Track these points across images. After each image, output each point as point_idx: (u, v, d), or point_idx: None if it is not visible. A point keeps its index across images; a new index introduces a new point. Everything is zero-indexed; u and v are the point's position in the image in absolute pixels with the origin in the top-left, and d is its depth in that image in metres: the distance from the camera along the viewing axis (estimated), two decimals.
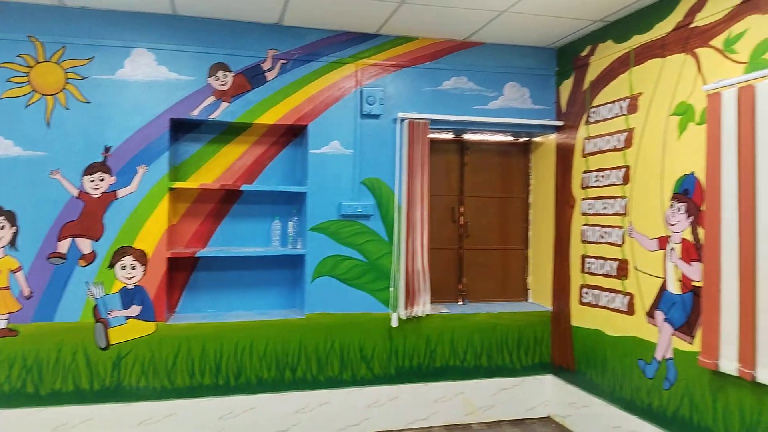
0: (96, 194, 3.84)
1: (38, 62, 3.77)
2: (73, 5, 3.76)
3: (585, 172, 4.24)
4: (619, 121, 3.89)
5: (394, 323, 4.25)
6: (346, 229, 4.22)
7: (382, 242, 4.29)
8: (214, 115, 4.03)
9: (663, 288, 3.47)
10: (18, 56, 3.73)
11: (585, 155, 4.25)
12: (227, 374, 4.01)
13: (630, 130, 3.78)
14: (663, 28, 3.51)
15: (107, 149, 3.85)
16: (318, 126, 4.18)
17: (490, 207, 4.91)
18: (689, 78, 3.31)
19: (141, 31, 3.91)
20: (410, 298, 4.24)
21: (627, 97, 3.82)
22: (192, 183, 4.14)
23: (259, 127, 4.27)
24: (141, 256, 3.88)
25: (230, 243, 4.29)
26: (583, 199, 4.25)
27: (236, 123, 4.13)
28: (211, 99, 4.02)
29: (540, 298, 4.79)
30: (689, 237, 3.28)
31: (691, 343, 3.26)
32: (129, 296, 3.87)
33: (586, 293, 4.20)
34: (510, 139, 4.89)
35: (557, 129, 4.59)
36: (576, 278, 4.32)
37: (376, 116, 4.27)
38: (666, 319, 3.44)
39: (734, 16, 3.02)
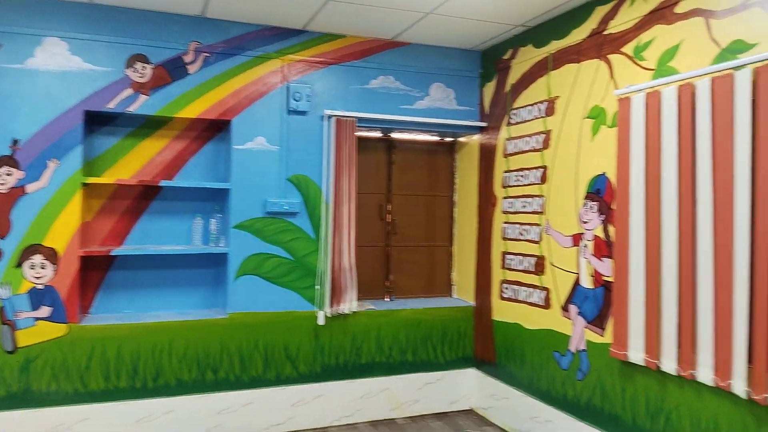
0: (2, 189, 3.60)
1: None
2: None
3: (506, 171, 4.38)
4: (538, 123, 4.04)
5: (321, 321, 4.24)
6: (272, 226, 4.17)
7: (309, 240, 4.26)
8: (132, 108, 3.87)
9: (577, 283, 3.64)
10: None
11: (506, 155, 4.39)
12: (145, 376, 3.87)
13: (548, 132, 3.94)
14: (579, 34, 3.67)
15: (15, 142, 3.62)
16: (242, 121, 4.10)
17: (417, 205, 4.99)
18: (602, 83, 3.48)
19: (53, 18, 3.70)
20: (337, 296, 4.24)
21: (545, 100, 3.97)
22: (107, 178, 3.96)
23: (180, 121, 4.14)
24: (51, 255, 3.67)
25: (149, 241, 4.14)
26: (504, 197, 4.39)
27: (156, 116, 3.98)
28: (129, 91, 3.86)
29: (464, 294, 4.91)
30: (601, 234, 3.45)
31: (602, 335, 3.44)
32: (38, 297, 3.66)
33: (506, 288, 4.34)
34: (436, 138, 4.97)
35: (481, 130, 4.71)
36: (497, 274, 4.46)
37: (303, 113, 4.23)
38: (579, 313, 3.61)
39: (643, 25, 3.20)
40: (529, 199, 4.10)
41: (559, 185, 3.82)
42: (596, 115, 3.52)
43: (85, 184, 3.82)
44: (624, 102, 3.21)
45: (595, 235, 3.49)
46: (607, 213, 3.41)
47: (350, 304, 4.30)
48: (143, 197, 4.14)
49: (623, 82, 3.31)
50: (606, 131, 3.44)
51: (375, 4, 3.70)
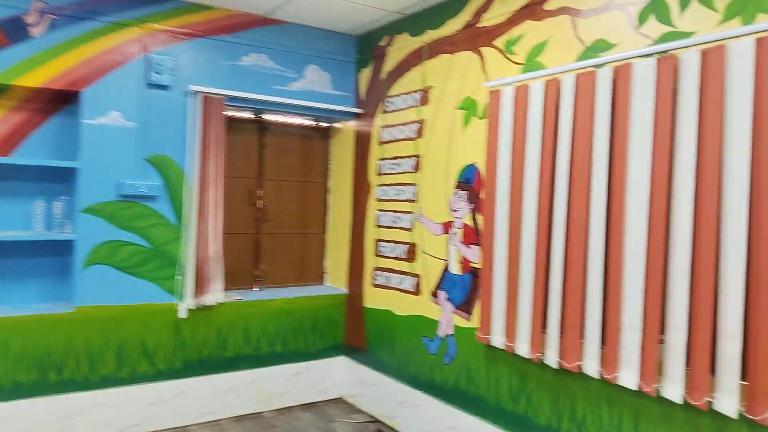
0: None
1: None
2: None
3: (380, 159, 4.36)
4: (412, 112, 4.05)
5: (182, 314, 3.95)
6: (127, 211, 3.80)
7: (170, 226, 3.95)
8: None
9: (446, 269, 3.71)
10: None
11: (381, 143, 4.37)
12: None
13: (421, 122, 3.96)
14: (453, 25, 3.72)
15: None
16: (94, 93, 3.68)
17: (290, 191, 4.83)
18: (474, 75, 3.55)
19: None
20: (201, 287, 3.98)
21: (420, 90, 3.99)
22: None
23: (19, 90, 3.62)
24: None
25: None
26: (378, 185, 4.37)
27: None
28: None
29: (336, 282, 4.85)
30: (470, 222, 3.54)
31: (469, 320, 3.53)
32: None
33: (379, 275, 4.34)
34: (311, 123, 4.84)
35: (356, 116, 4.65)
36: (370, 261, 4.44)
37: (166, 87, 3.89)
38: (448, 299, 3.69)
39: (514, 20, 3.30)
40: (403, 187, 4.11)
41: (431, 174, 3.86)
42: (468, 107, 3.59)
43: None
44: (494, 94, 3.29)
45: (464, 223, 3.57)
46: (476, 202, 3.50)
47: (216, 294, 4.06)
48: None
49: (494, 75, 3.40)
50: (477, 122, 3.52)
51: None
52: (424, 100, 3.95)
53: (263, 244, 4.69)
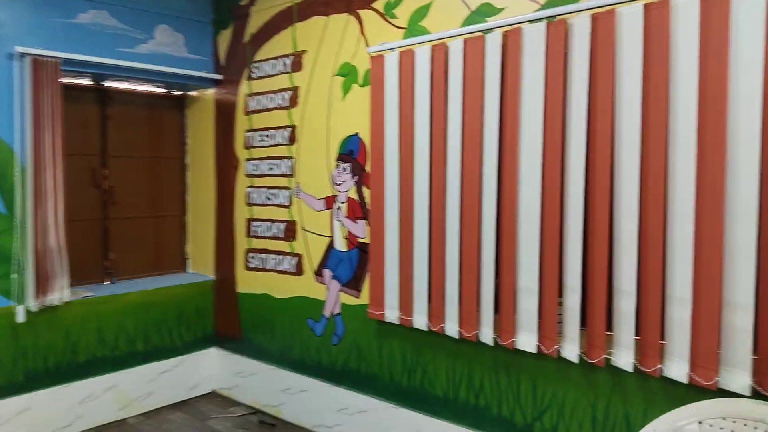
0: None
1: None
2: None
3: (248, 131, 4.01)
4: (284, 79, 3.75)
5: (20, 318, 3.33)
6: None
7: None
8: None
9: (330, 246, 3.53)
10: None
11: (248, 113, 4.01)
12: None
13: (295, 89, 3.69)
14: None
15: None
16: None
17: (140, 169, 4.28)
18: (353, 39, 3.35)
19: None
20: (42, 285, 3.37)
21: (291, 54, 3.70)
22: None
23: None
24: None
25: None
26: (248, 159, 4.02)
27: None
28: None
29: (201, 267, 4.43)
30: (354, 196, 3.37)
31: (358, 297, 3.39)
32: None
33: (252, 257, 4.02)
34: (162, 91, 4.31)
35: (216, 83, 4.22)
36: (241, 243, 4.10)
37: None
38: (334, 277, 3.51)
39: None
40: (277, 161, 3.82)
41: (309, 146, 3.62)
42: (347, 73, 3.39)
43: None
44: (377, 60, 3.13)
45: (349, 197, 3.40)
46: (360, 174, 3.34)
47: (61, 292, 3.47)
48: None
49: (375, 40, 3.23)
50: (357, 90, 3.34)
51: None
52: (296, 66, 3.67)
53: (112, 230, 4.11)
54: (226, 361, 4.23)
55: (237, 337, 4.17)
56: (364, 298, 3.34)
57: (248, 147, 4.02)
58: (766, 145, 2.03)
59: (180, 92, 4.40)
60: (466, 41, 2.76)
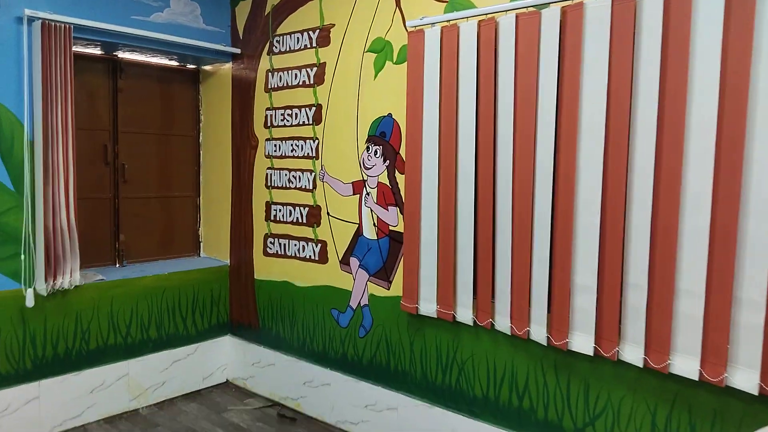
0: None
1: None
2: None
3: (269, 109, 3.78)
4: (309, 54, 3.52)
5: (30, 302, 3.13)
6: None
7: (6, 192, 3.07)
8: None
9: (358, 234, 3.33)
10: None
11: (268, 90, 3.78)
12: None
13: (321, 65, 3.46)
14: None
15: None
16: None
17: (152, 146, 4.05)
18: (387, 13, 3.12)
19: None
20: (53, 267, 3.16)
21: (317, 28, 3.46)
22: None
23: None
24: None
25: None
26: (268, 139, 3.80)
27: None
28: None
29: (216, 252, 4.23)
30: (386, 181, 3.17)
31: (388, 289, 3.20)
32: None
33: (272, 243, 3.82)
34: (175, 64, 4.06)
35: (233, 57, 3.98)
36: (260, 227, 3.89)
37: None
38: (361, 266, 3.32)
39: None
40: (300, 142, 3.60)
41: (336, 127, 3.40)
42: (380, 49, 3.16)
43: None
44: (416, 36, 2.91)
45: (380, 182, 3.20)
46: (393, 158, 3.13)
47: (72, 276, 3.26)
48: None
49: (412, 14, 3.00)
50: (391, 68, 3.12)
51: None
52: (323, 41, 3.44)
53: (123, 210, 3.90)
54: (242, 350, 4.05)
55: (254, 326, 3.98)
56: (396, 289, 3.16)
57: (268, 126, 3.79)
58: None
59: (194, 66, 4.15)
60: (518, 17, 2.54)
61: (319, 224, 3.53)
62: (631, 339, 2.31)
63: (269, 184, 3.81)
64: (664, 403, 2.30)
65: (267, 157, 3.81)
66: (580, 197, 2.40)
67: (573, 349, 2.45)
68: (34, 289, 3.15)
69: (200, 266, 4.03)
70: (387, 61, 3.14)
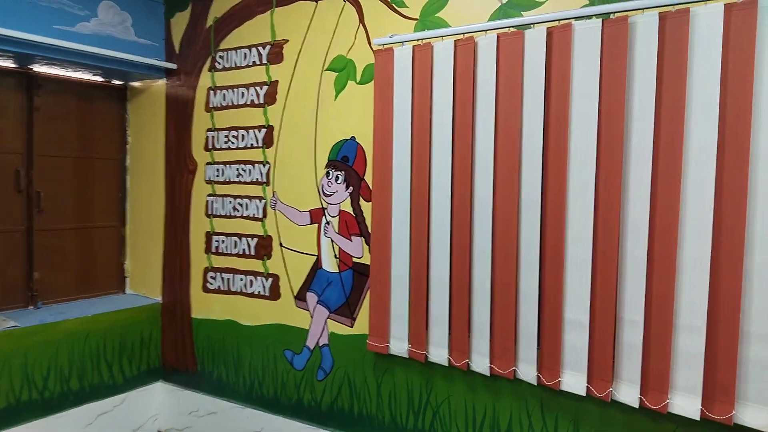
0: None
1: None
2: None
3: (210, 130, 3.44)
4: (258, 71, 3.24)
5: None
6: None
7: None
8: None
9: (317, 267, 3.05)
10: None
11: (210, 109, 3.45)
12: None
13: (273, 84, 3.18)
14: None
15: None
16: None
17: (71, 170, 3.59)
18: (349, 29, 2.91)
19: None
20: None
21: (268, 43, 3.20)
22: None
23: None
24: None
25: None
26: (209, 163, 3.46)
27: None
28: None
29: (144, 288, 3.78)
30: (349, 209, 2.93)
31: (351, 326, 2.94)
32: None
33: (213, 278, 3.45)
34: (99, 80, 3.64)
35: (168, 73, 3.62)
36: (199, 260, 3.52)
37: None
38: (320, 302, 3.04)
39: None
40: (248, 166, 3.29)
41: (291, 150, 3.13)
42: (341, 68, 2.94)
43: None
44: (384, 55, 2.72)
45: (342, 210, 2.95)
46: (357, 184, 2.90)
47: None
48: None
49: (378, 32, 2.81)
50: (355, 88, 2.90)
51: None
52: (275, 57, 3.17)
53: (38, 243, 3.40)
54: (176, 397, 3.62)
55: (190, 370, 3.57)
56: (360, 327, 2.90)
57: (209, 149, 3.45)
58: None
59: (121, 82, 3.74)
60: (500, 37, 2.41)
61: (270, 256, 3.22)
62: (626, 378, 2.19)
63: (210, 213, 3.45)
64: None
65: (208, 183, 3.46)
66: (570, 228, 2.28)
67: (564, 389, 2.31)
68: None
69: (128, 305, 3.58)
70: (349, 81, 2.92)
